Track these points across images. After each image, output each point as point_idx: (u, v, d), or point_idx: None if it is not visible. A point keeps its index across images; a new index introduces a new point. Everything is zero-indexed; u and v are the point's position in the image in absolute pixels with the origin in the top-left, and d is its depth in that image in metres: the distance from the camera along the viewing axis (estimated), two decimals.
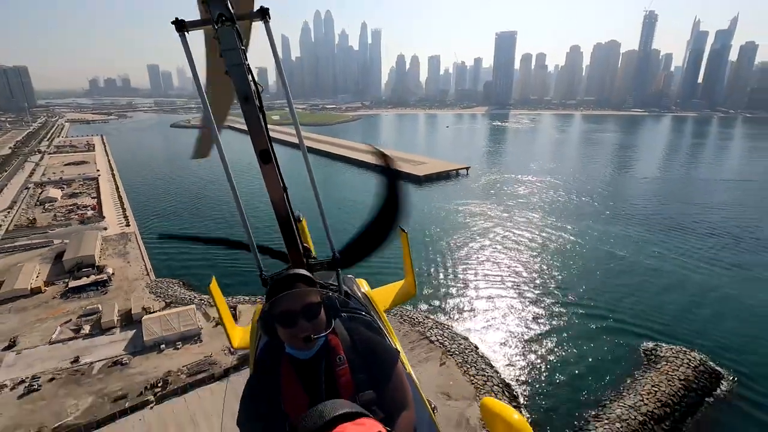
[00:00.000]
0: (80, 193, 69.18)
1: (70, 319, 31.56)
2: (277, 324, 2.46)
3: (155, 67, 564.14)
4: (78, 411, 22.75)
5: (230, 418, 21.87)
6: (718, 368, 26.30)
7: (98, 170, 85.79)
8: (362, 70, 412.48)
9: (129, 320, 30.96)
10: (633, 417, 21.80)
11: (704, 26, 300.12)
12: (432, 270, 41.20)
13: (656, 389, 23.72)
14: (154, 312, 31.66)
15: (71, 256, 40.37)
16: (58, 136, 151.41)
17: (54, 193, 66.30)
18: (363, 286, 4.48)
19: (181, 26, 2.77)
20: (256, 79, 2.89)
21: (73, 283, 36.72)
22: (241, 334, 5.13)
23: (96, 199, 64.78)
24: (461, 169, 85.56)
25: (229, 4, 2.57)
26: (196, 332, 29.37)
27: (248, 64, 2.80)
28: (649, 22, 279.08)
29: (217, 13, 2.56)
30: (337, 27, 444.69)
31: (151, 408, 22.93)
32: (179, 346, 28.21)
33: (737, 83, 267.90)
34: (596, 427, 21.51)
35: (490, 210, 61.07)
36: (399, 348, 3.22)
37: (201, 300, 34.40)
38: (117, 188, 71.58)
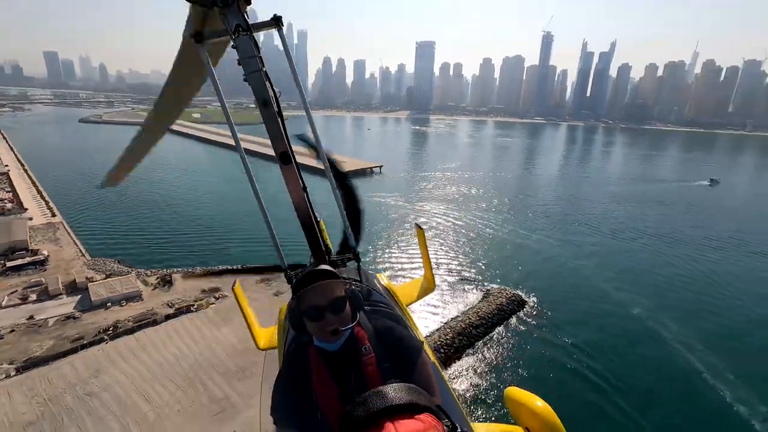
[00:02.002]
0: None
1: (16, 290, 35.91)
2: (305, 318, 2.59)
3: (53, 54, 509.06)
4: (42, 349, 28.50)
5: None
6: (525, 298, 38.84)
7: (6, 165, 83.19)
8: (288, 71, 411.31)
9: (74, 288, 36.24)
10: (459, 325, 32.99)
11: (591, 47, 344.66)
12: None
13: (479, 310, 35.35)
14: (97, 281, 37.24)
15: (3, 241, 43.42)
16: None
17: None
18: (383, 280, 4.57)
19: (200, 38, 2.84)
20: (273, 85, 3.03)
21: (10, 263, 40.31)
22: (265, 335, 5.30)
23: (11, 193, 64.90)
24: (375, 167, 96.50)
25: (245, 15, 2.74)
26: (137, 293, 35.67)
27: (265, 71, 2.97)
28: (547, 41, 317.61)
29: (235, 25, 2.72)
30: None
31: (107, 343, 29.40)
32: (124, 304, 34.41)
33: (616, 98, 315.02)
34: (435, 333, 32.34)
35: (393, 200, 72.28)
36: (422, 339, 3.32)
37: (138, 272, 40.25)
38: (33, 183, 71.41)
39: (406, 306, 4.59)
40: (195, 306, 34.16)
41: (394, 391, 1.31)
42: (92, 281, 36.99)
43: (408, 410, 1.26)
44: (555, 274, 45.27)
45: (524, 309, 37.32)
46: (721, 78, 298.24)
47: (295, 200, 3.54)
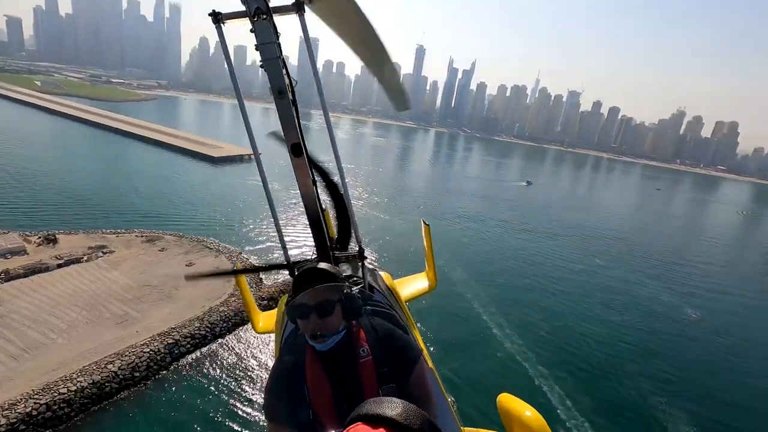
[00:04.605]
0: None
1: None
2: (295, 316, 2.66)
3: None
4: None
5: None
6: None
7: None
8: (158, 46, 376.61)
9: None
10: None
11: (457, 64, 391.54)
12: (217, 216, 58.33)
13: None
14: None
15: None
16: None
17: None
18: (386, 279, 4.53)
19: (217, 18, 2.81)
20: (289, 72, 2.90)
21: None
22: (263, 319, 5.40)
23: None
24: (252, 154, 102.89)
25: None
26: (21, 248, 38.98)
27: (283, 58, 2.87)
28: (420, 54, 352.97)
29: (255, 7, 2.63)
30: None
31: (1, 284, 33.50)
32: (9, 257, 37.69)
33: (474, 111, 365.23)
34: None
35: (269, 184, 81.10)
36: (421, 344, 3.37)
37: (19, 234, 42.54)
38: None
39: (406, 303, 4.56)
40: (84, 258, 39.28)
41: (412, 412, 1.25)
42: None
43: (392, 425, 1.19)
44: (390, 242, 60.17)
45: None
46: (551, 103, 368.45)
47: (304, 194, 3.56)
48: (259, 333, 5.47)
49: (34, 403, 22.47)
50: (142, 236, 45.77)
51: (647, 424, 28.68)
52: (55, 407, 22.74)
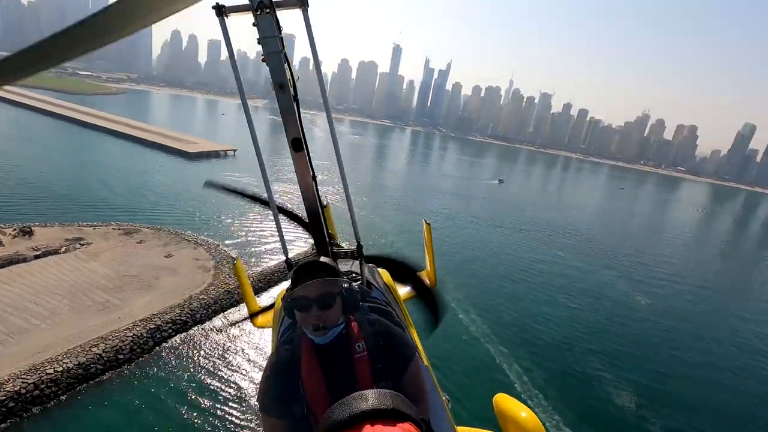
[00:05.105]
0: None
1: None
2: (294, 309, 2.67)
3: None
4: None
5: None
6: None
7: None
8: (128, 38, 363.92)
9: None
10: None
11: (433, 64, 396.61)
12: (194, 211, 58.94)
13: (307, 254, 49.23)
14: None
15: None
16: None
17: None
18: (384, 276, 4.52)
19: (221, 11, 2.84)
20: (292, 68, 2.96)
21: None
22: (263, 313, 5.37)
23: None
24: (229, 150, 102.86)
25: None
26: None
27: (285, 52, 2.89)
28: (396, 53, 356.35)
29: (258, 1, 2.65)
30: None
31: None
32: None
33: (450, 110, 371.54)
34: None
35: (245, 180, 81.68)
36: (417, 341, 3.45)
37: None
38: None
39: (404, 301, 4.61)
40: (62, 249, 39.67)
41: (378, 396, 1.26)
42: None
43: (391, 416, 1.21)
44: (365, 238, 62.30)
45: None
46: (523, 104, 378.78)
47: (303, 189, 3.57)
48: (257, 327, 5.52)
49: (22, 382, 23.48)
50: (119, 229, 46.24)
51: (595, 394, 31.91)
52: (43, 386, 23.82)
